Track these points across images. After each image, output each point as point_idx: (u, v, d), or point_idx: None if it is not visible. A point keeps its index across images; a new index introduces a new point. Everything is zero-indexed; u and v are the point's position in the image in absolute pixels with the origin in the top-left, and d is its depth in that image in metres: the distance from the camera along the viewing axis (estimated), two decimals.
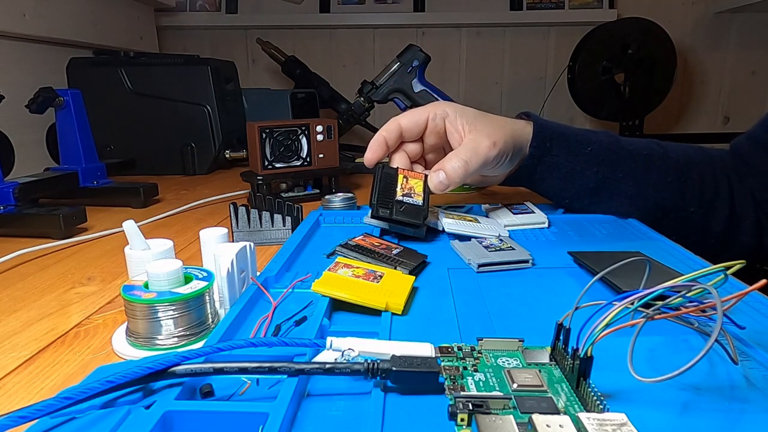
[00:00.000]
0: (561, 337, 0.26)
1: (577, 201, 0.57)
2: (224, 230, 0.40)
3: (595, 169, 0.54)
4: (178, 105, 1.04)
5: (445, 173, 0.49)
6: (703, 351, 0.21)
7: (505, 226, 0.53)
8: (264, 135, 0.74)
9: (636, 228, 0.53)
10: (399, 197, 0.48)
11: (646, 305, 0.24)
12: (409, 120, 0.51)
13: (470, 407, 0.22)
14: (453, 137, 0.52)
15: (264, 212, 0.55)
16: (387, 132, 0.51)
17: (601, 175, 0.54)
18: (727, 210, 0.56)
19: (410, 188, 0.49)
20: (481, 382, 0.25)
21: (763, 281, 0.23)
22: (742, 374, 0.26)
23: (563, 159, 0.54)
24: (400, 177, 0.51)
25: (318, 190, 0.81)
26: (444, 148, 0.55)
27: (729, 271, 0.25)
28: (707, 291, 0.23)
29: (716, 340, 0.21)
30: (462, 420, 0.22)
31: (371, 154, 0.52)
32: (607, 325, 0.23)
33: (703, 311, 0.26)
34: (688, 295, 0.25)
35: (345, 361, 0.25)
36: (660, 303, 0.25)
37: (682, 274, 0.28)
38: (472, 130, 0.50)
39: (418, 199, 0.49)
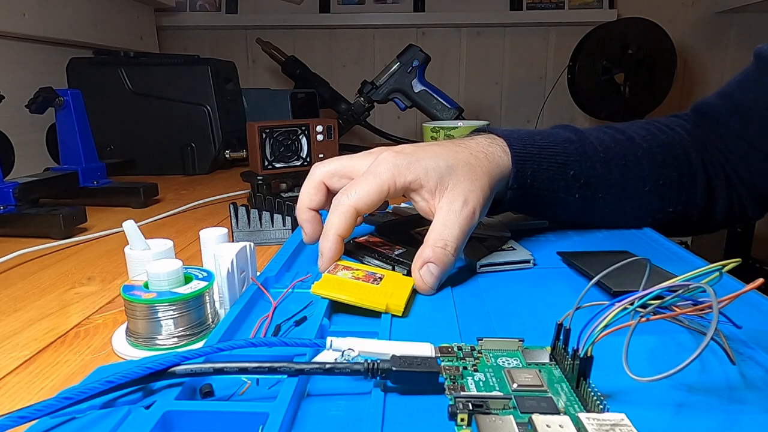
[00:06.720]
0: (561, 337, 0.26)
1: (560, 220, 0.54)
2: (224, 230, 0.40)
3: (576, 195, 0.50)
4: (178, 105, 1.04)
5: (435, 265, 0.37)
6: (698, 351, 0.21)
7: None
8: (264, 135, 0.74)
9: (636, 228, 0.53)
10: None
11: (645, 305, 0.24)
12: (365, 204, 0.39)
13: (470, 407, 0.22)
14: (419, 206, 0.41)
15: (264, 212, 0.55)
16: (342, 230, 0.40)
17: (582, 198, 0.50)
18: (704, 199, 0.54)
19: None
20: (481, 382, 0.25)
21: (760, 280, 0.24)
22: (741, 374, 0.26)
23: (545, 190, 0.49)
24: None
25: None
26: None
27: (724, 270, 0.25)
28: (705, 290, 0.23)
29: (714, 340, 0.21)
30: (462, 420, 0.22)
31: (312, 236, 0.43)
32: (607, 326, 0.23)
33: (701, 310, 0.26)
34: (685, 294, 0.26)
35: (345, 361, 0.25)
36: (657, 302, 0.25)
37: (674, 274, 0.28)
38: (442, 192, 0.40)
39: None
